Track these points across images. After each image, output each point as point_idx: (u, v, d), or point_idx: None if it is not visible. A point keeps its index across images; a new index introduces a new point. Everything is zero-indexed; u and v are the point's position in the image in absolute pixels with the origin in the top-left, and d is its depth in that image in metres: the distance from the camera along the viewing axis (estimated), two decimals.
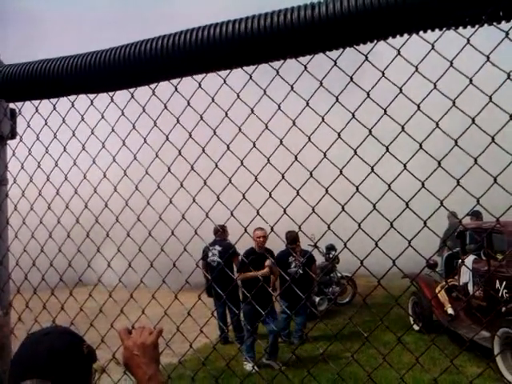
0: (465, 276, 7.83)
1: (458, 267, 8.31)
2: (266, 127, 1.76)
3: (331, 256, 10.36)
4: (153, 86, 1.87)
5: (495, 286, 6.85)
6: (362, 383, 5.37)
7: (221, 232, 8.07)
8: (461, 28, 1.45)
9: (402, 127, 1.61)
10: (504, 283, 6.72)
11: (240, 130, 1.80)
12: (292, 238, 7.34)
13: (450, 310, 7.89)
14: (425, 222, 1.60)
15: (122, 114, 1.98)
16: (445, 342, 7.44)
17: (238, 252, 7.40)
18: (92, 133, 2.07)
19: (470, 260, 7.72)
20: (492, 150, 1.46)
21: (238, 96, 1.78)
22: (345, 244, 1.70)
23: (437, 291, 8.15)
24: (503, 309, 6.38)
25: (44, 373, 1.23)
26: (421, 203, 1.72)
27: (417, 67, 1.58)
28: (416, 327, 8.43)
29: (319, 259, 10.42)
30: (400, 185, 1.69)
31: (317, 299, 9.09)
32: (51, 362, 1.25)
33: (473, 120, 1.51)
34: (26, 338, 1.35)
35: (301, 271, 7.94)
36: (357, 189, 1.67)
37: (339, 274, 10.43)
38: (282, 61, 1.68)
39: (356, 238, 1.72)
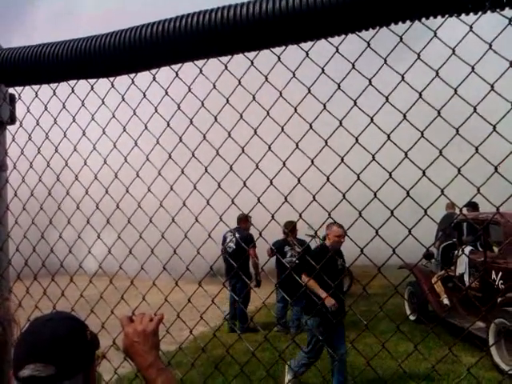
0: (461, 267, 7.87)
1: (455, 258, 8.35)
2: (268, 114, 1.75)
3: None
4: (154, 71, 1.85)
5: (491, 277, 6.89)
6: (358, 372, 5.40)
7: (244, 220, 8.06)
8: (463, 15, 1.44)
9: (404, 115, 1.61)
10: (500, 274, 6.77)
11: (241, 116, 1.79)
12: (291, 228, 7.33)
13: (446, 301, 7.94)
14: (425, 211, 1.60)
15: (123, 99, 1.97)
16: (439, 332, 7.50)
17: (254, 243, 7.48)
18: (92, 118, 2.06)
19: (466, 251, 7.77)
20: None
21: (240, 82, 1.77)
22: (345, 232, 1.71)
23: (433, 281, 8.20)
24: (499, 299, 6.43)
25: (47, 358, 1.23)
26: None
27: (419, 55, 1.58)
28: (412, 317, 8.49)
29: None
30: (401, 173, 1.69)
31: None
32: (54, 347, 1.25)
33: (474, 109, 1.50)
34: (29, 323, 1.35)
35: (297, 261, 7.97)
36: (358, 177, 1.67)
37: None
38: (283, 47, 1.67)
39: (353, 227, 1.73)
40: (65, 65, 1.76)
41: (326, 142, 1.69)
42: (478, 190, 1.50)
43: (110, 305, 2.05)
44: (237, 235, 8.24)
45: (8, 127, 2.15)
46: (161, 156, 1.94)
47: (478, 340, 6.31)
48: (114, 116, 1.99)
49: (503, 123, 1.49)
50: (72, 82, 1.97)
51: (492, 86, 1.45)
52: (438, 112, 1.56)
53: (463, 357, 6.56)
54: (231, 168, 1.81)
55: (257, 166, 1.77)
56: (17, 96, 2.16)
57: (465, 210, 9.08)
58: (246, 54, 1.69)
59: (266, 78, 1.74)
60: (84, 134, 2.12)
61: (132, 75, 1.87)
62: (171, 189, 1.91)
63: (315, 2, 1.48)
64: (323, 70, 1.68)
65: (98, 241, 2.12)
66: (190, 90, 1.85)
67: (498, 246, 7.32)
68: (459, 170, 1.53)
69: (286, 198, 1.75)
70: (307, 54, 1.68)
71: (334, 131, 1.70)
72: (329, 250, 5.35)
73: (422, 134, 1.57)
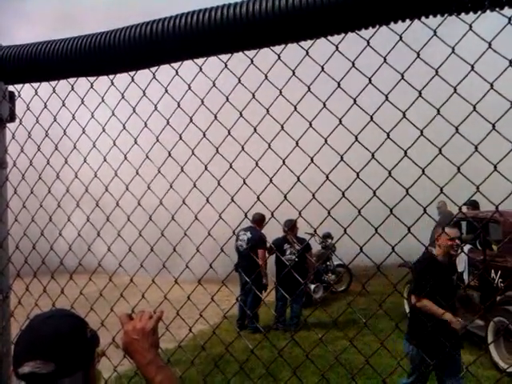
0: (460, 265, 7.88)
1: (454, 256, 8.35)
2: (267, 112, 1.75)
3: (327, 244, 10.40)
4: (153, 69, 1.85)
5: (490, 276, 6.90)
6: (357, 370, 5.39)
7: (259, 221, 8.00)
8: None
9: (404, 114, 1.61)
10: (499, 272, 6.78)
11: (241, 114, 1.79)
12: (291, 226, 7.33)
13: None
14: (424, 209, 1.60)
15: (123, 97, 1.97)
16: None
17: (265, 244, 7.70)
18: (92, 116, 2.05)
19: (465, 249, 7.78)
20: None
21: (240, 81, 1.77)
22: (345, 230, 1.71)
23: None
24: (498, 298, 6.44)
25: (48, 354, 1.23)
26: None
27: (418, 53, 1.58)
28: None
29: (315, 247, 10.46)
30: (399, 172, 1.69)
31: (312, 287, 9.13)
32: (55, 343, 1.25)
33: (474, 107, 1.50)
34: (29, 320, 1.35)
35: (296, 259, 7.98)
36: (357, 175, 1.67)
37: (335, 262, 10.49)
38: (283, 45, 1.67)
39: (352, 226, 1.73)
40: (64, 62, 1.76)
41: (326, 141, 1.69)
42: (478, 188, 1.50)
43: (109, 302, 2.05)
44: (249, 234, 8.22)
45: (8, 125, 2.15)
46: (161, 154, 1.95)
47: (477, 338, 6.32)
48: (113, 114, 1.99)
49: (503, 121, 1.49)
50: (72, 80, 1.97)
51: (491, 85, 1.45)
52: (438, 111, 1.56)
53: (462, 355, 6.56)
54: (231, 166, 1.81)
55: (256, 164, 1.77)
56: (16, 94, 2.16)
57: (464, 209, 9.09)
58: (246, 52, 1.69)
59: (266, 77, 1.74)
60: (84, 132, 2.12)
61: (132, 73, 1.87)
62: (171, 187, 1.92)
63: (315, 1, 1.48)
64: (323, 68, 1.68)
65: (97, 238, 2.12)
66: (189, 88, 1.85)
67: (498, 245, 7.32)
68: (459, 169, 1.53)
69: (285, 196, 1.75)
70: (307, 53, 1.68)
71: (334, 129, 1.70)
72: (440, 262, 4.48)
73: (422, 132, 1.57)
